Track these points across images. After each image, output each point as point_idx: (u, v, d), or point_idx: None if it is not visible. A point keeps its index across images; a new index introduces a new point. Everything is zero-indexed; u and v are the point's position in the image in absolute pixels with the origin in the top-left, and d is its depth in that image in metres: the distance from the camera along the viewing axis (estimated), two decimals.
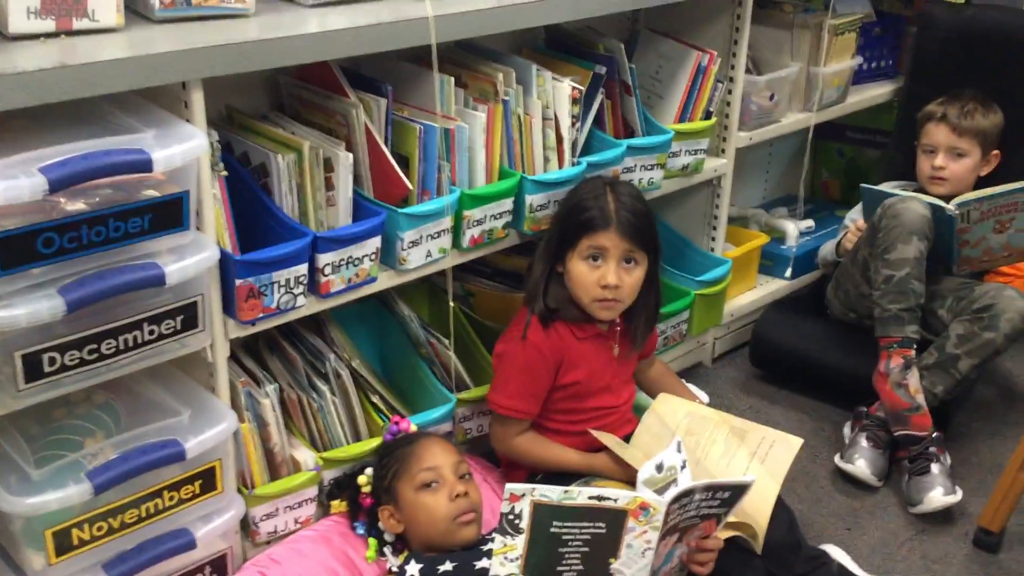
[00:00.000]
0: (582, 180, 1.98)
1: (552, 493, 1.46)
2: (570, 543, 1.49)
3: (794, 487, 2.22)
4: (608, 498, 1.47)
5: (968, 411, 2.49)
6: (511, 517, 1.47)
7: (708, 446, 1.91)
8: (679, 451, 1.65)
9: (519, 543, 1.48)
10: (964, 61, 2.66)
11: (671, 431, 1.93)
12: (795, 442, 1.89)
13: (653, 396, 2.08)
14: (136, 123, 1.45)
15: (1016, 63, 2.59)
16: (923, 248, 2.22)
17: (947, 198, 2.34)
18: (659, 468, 1.67)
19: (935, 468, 2.15)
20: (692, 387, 2.19)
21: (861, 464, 2.22)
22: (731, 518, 1.69)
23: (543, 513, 1.46)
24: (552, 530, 1.48)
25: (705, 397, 2.18)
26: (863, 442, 2.26)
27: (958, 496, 2.12)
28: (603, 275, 1.84)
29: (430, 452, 1.79)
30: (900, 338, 2.21)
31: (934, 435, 2.20)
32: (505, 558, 1.50)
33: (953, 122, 2.47)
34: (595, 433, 1.89)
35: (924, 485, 2.13)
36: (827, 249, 2.66)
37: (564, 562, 1.51)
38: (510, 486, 1.45)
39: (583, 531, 1.49)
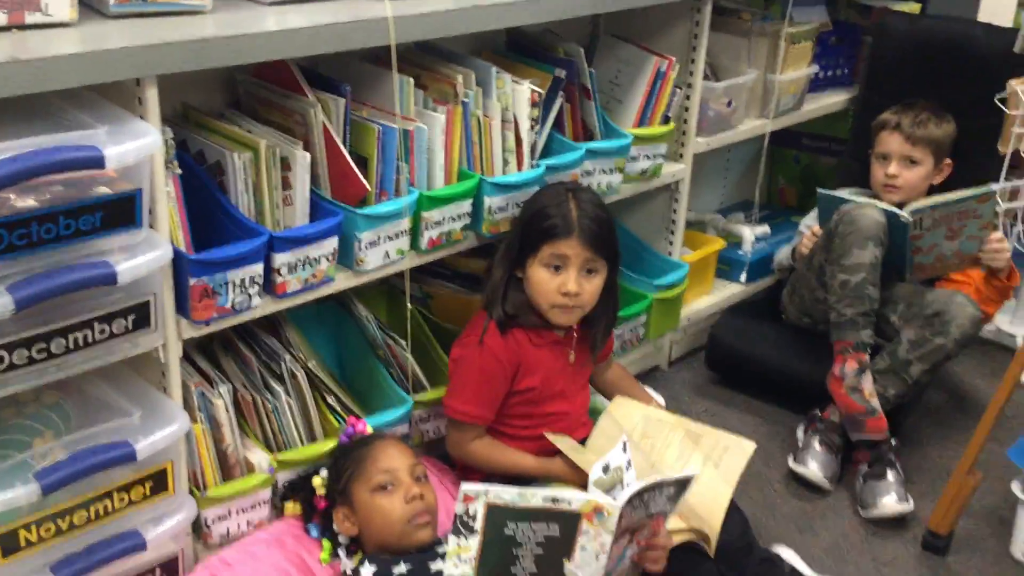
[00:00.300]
0: (545, 185, 1.98)
1: (507, 494, 1.46)
2: (524, 544, 1.49)
3: (747, 490, 2.23)
4: (563, 500, 1.47)
5: (918, 416, 2.53)
6: (465, 518, 1.46)
7: (663, 449, 1.93)
8: (624, 451, 1.66)
9: (473, 544, 1.47)
10: (919, 70, 2.71)
11: (626, 434, 1.94)
12: (748, 446, 1.91)
13: (609, 398, 2.10)
14: (89, 119, 1.43)
15: (969, 73, 2.64)
16: (878, 253, 2.25)
17: (900, 205, 2.37)
18: (606, 469, 1.68)
19: (891, 475, 2.18)
20: (648, 390, 2.21)
21: (813, 467, 2.25)
22: (684, 524, 1.71)
23: (497, 514, 1.46)
24: (507, 531, 1.48)
25: (661, 400, 2.19)
26: (816, 445, 2.28)
27: (910, 505, 2.15)
28: (564, 282, 1.85)
29: (386, 454, 1.78)
30: (855, 342, 2.24)
31: (892, 441, 2.23)
32: (459, 559, 1.49)
33: (907, 131, 2.51)
34: (551, 437, 1.90)
35: (879, 490, 2.16)
36: (783, 254, 2.69)
37: (518, 563, 1.51)
38: (465, 486, 1.45)
39: (537, 533, 1.49)
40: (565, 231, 1.84)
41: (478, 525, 1.47)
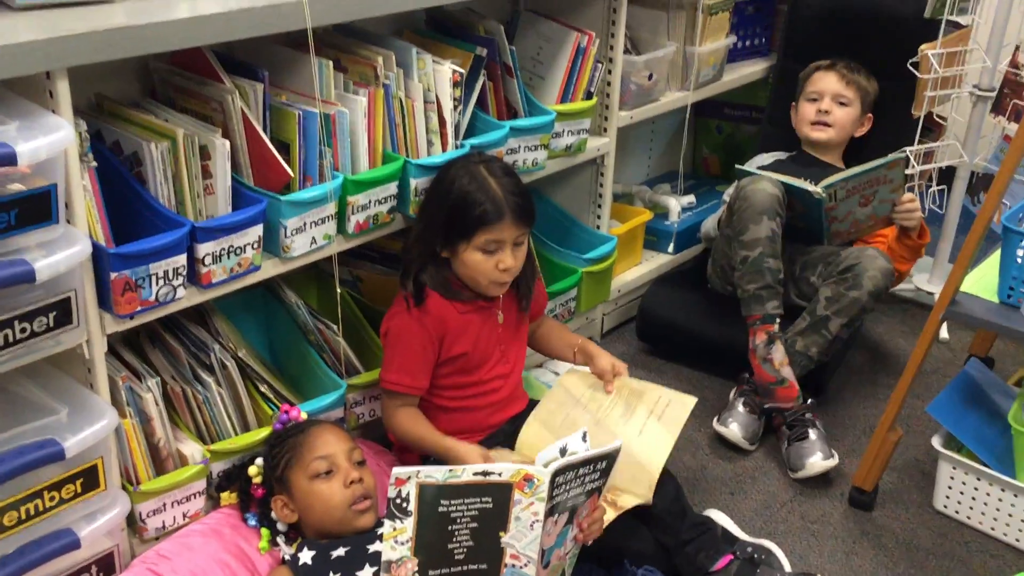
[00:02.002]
0: (451, 164, 1.93)
1: (437, 473, 1.48)
2: (459, 520, 1.51)
3: (680, 456, 2.29)
4: (492, 472, 1.50)
5: (841, 375, 2.61)
6: (398, 501, 1.48)
7: (610, 408, 1.99)
8: (584, 440, 1.67)
9: (408, 525, 1.49)
10: (834, 38, 2.76)
11: (575, 398, 2.00)
12: (689, 401, 1.99)
13: (544, 353, 2.18)
14: None
15: (883, 39, 2.70)
16: (774, 227, 2.30)
17: (825, 150, 2.52)
18: (563, 451, 1.70)
19: (813, 434, 2.24)
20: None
21: (734, 427, 2.31)
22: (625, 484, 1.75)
23: (430, 494, 1.48)
24: (440, 509, 1.50)
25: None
26: (739, 407, 2.35)
27: (835, 460, 2.22)
28: (500, 260, 1.87)
29: (322, 440, 1.79)
30: (762, 315, 2.30)
31: (809, 401, 2.29)
32: (395, 542, 1.51)
33: (842, 71, 2.61)
34: (493, 454, 1.88)
35: (804, 451, 2.22)
36: (709, 225, 2.74)
37: (455, 539, 1.53)
38: (396, 470, 1.47)
39: (471, 507, 1.51)
40: (497, 215, 1.84)
41: (412, 506, 1.48)
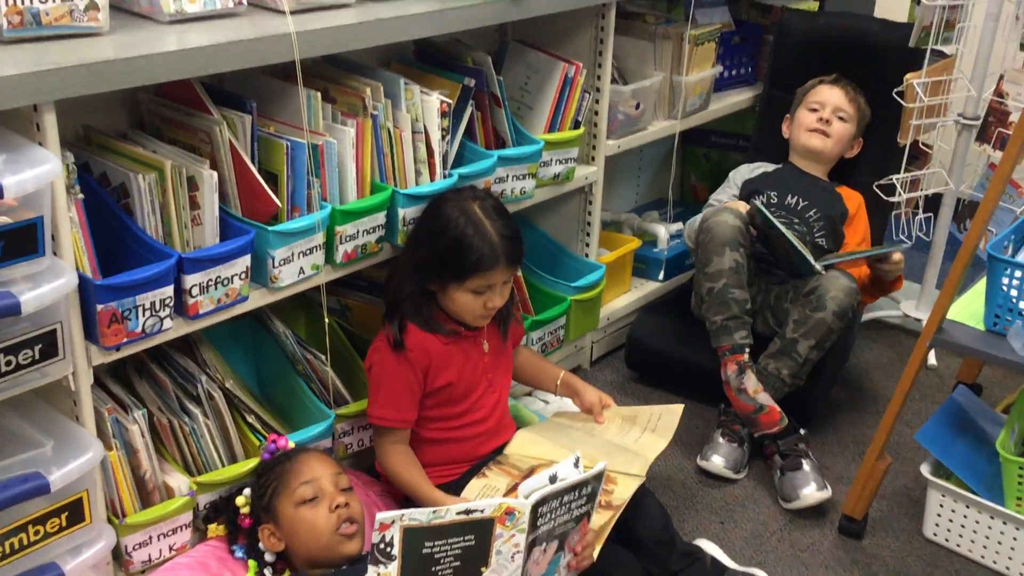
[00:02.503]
0: (442, 200, 1.93)
1: (421, 515, 1.47)
2: (442, 560, 1.51)
3: (669, 484, 2.28)
4: (475, 510, 1.50)
5: (830, 403, 2.61)
6: (382, 546, 1.47)
7: (602, 432, 2.03)
8: (576, 466, 1.66)
9: (392, 570, 1.48)
10: (819, 66, 2.77)
11: (567, 427, 2.04)
12: (677, 408, 2.07)
13: (525, 383, 2.21)
14: None
15: (868, 67, 2.72)
16: (738, 257, 2.31)
17: (815, 162, 2.58)
18: (553, 479, 1.68)
19: (807, 465, 2.24)
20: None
21: (716, 460, 2.31)
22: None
23: (413, 536, 1.47)
24: (424, 551, 1.49)
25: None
26: (719, 438, 2.35)
27: (829, 492, 2.21)
28: (489, 299, 1.89)
29: (308, 466, 1.78)
30: (731, 346, 2.30)
31: (802, 432, 2.29)
32: None
33: (847, 87, 2.64)
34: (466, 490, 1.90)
35: (798, 482, 2.21)
36: (693, 227, 2.62)
37: None
38: (380, 515, 1.45)
39: (454, 547, 1.50)
40: (492, 263, 1.85)
41: (395, 551, 1.47)
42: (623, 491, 1.84)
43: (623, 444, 1.98)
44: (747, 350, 2.30)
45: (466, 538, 1.50)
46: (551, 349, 2.51)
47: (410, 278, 1.91)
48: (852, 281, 2.29)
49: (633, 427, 2.04)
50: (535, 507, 1.51)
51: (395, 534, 1.46)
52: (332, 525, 1.72)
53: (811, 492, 2.19)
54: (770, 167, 2.69)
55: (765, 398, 2.26)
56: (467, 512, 1.49)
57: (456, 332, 1.94)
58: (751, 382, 2.27)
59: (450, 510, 1.48)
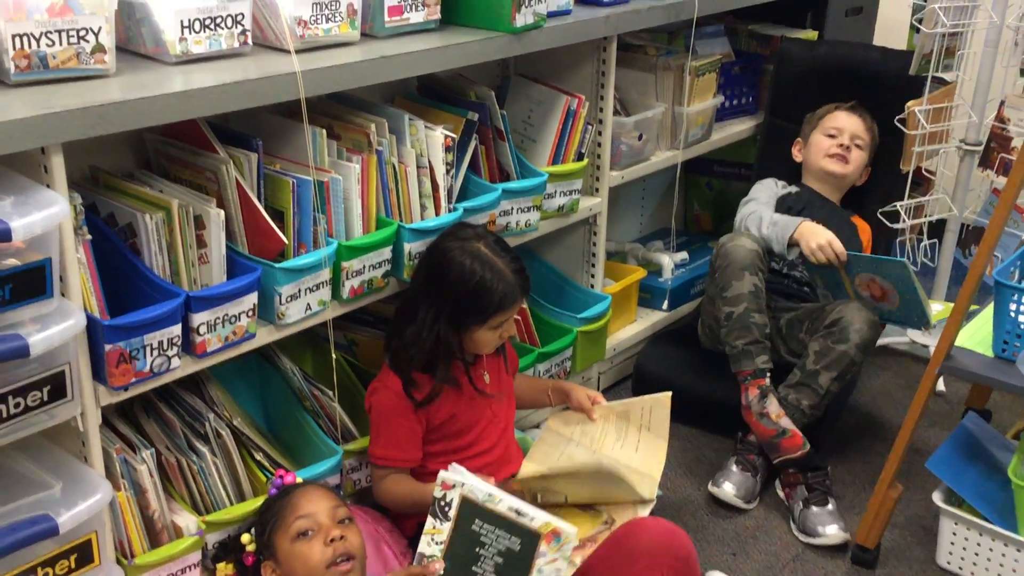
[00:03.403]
0: (448, 248, 1.90)
1: (480, 492, 1.56)
2: (487, 547, 1.57)
3: (679, 515, 2.27)
4: (525, 514, 1.56)
5: (839, 430, 2.60)
6: (442, 503, 1.56)
7: (602, 438, 2.04)
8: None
9: (445, 529, 1.56)
10: (819, 95, 2.79)
11: (566, 438, 2.04)
12: (664, 398, 2.06)
13: (521, 406, 2.20)
14: None
15: (868, 95, 2.73)
16: (756, 281, 2.32)
17: (833, 187, 2.60)
18: None
19: (832, 504, 2.23)
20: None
21: (727, 487, 2.30)
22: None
23: (468, 508, 1.56)
24: (473, 527, 1.57)
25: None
26: (732, 467, 2.34)
27: (848, 536, 2.19)
28: (505, 331, 1.93)
29: (305, 499, 1.76)
30: (752, 370, 2.30)
31: (828, 469, 2.28)
32: (432, 540, 1.59)
33: (864, 116, 2.65)
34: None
35: (824, 519, 2.20)
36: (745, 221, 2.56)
37: (480, 564, 1.59)
38: (443, 474, 1.56)
39: (499, 540, 1.57)
40: (513, 299, 1.89)
41: (452, 512, 1.56)
42: (624, 516, 1.88)
43: (626, 460, 1.97)
44: (768, 374, 2.30)
45: (511, 538, 1.57)
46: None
47: (430, 330, 1.88)
48: (874, 313, 2.29)
49: (629, 426, 2.05)
50: None
51: (455, 498, 1.56)
52: (327, 559, 1.69)
53: (836, 532, 2.18)
54: (792, 188, 2.70)
55: (787, 423, 2.26)
56: (518, 512, 1.56)
57: (467, 379, 1.96)
58: (774, 406, 2.26)
59: (504, 500, 1.56)
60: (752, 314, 2.30)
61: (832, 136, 2.64)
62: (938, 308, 2.32)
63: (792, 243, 2.39)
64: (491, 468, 1.98)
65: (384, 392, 1.91)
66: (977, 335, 2.03)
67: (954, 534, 2.10)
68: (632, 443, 2.02)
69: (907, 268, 2.24)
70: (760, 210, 2.50)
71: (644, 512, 1.87)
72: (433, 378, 1.90)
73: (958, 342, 1.99)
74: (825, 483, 2.26)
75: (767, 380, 2.29)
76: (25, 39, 1.48)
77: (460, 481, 1.55)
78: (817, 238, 2.34)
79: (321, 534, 1.71)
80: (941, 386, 2.82)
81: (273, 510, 1.76)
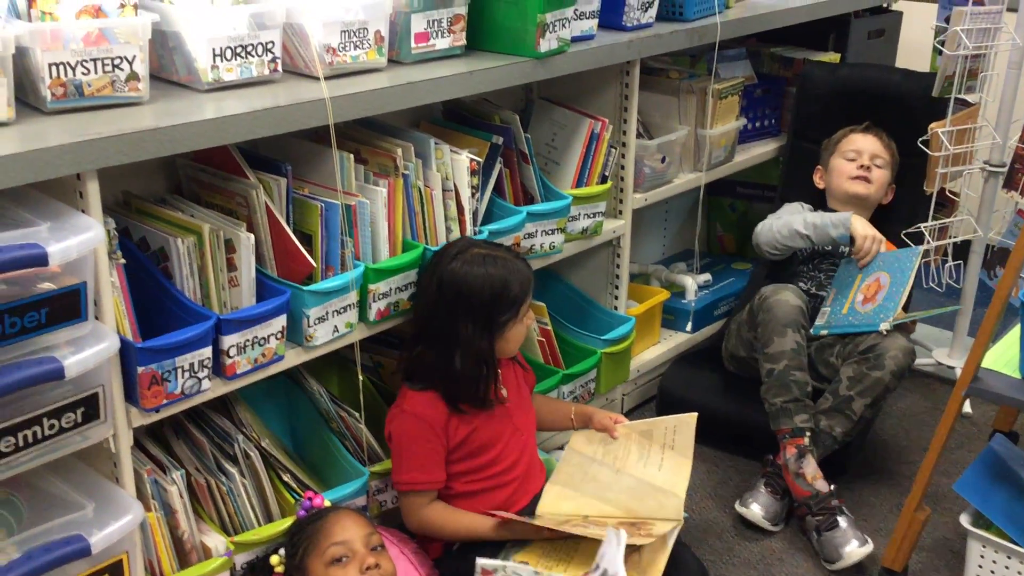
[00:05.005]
0: (452, 269, 1.90)
1: (524, 572, 1.52)
2: None
3: (705, 538, 2.26)
4: None
5: (865, 453, 2.58)
6: None
7: (625, 456, 2.05)
8: (617, 544, 1.63)
9: None
10: (841, 116, 2.80)
11: (589, 458, 2.05)
12: (690, 418, 2.07)
13: (542, 428, 2.21)
14: (30, 216, 1.43)
15: (891, 118, 2.74)
16: (799, 339, 2.32)
17: (860, 209, 2.57)
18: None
19: (843, 521, 2.20)
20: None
21: (755, 508, 2.29)
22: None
23: None
24: None
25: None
26: (761, 488, 2.33)
27: (870, 545, 2.17)
28: (529, 318, 1.99)
29: (340, 525, 1.78)
30: (791, 429, 2.28)
31: (832, 488, 2.26)
32: None
33: (880, 134, 2.67)
34: (502, 514, 1.90)
35: (838, 540, 2.17)
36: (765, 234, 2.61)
37: None
38: (481, 561, 1.53)
39: None
40: (530, 280, 1.96)
41: None
42: (661, 527, 1.87)
43: (650, 479, 1.98)
44: (808, 434, 2.28)
45: None
46: (582, 402, 2.50)
47: (479, 344, 1.89)
48: (909, 341, 2.30)
49: (652, 445, 2.06)
50: None
51: None
52: None
53: (854, 549, 2.15)
54: (806, 208, 2.70)
55: (822, 485, 2.23)
56: None
57: (499, 399, 1.98)
58: (810, 468, 2.24)
59: None
60: (793, 372, 2.29)
61: (852, 159, 2.65)
62: (899, 312, 2.34)
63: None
64: (515, 484, 1.99)
65: (402, 417, 1.91)
66: (1004, 356, 2.02)
67: (982, 557, 2.08)
68: (655, 461, 2.03)
69: (917, 256, 2.31)
70: (792, 217, 2.55)
71: (672, 533, 1.86)
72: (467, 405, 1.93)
73: (985, 364, 1.98)
74: (830, 504, 2.23)
75: (806, 439, 2.27)
76: (61, 68, 1.52)
77: (501, 565, 1.52)
78: (869, 228, 2.43)
79: (356, 561, 1.72)
80: (968, 408, 2.80)
81: (306, 533, 1.78)
